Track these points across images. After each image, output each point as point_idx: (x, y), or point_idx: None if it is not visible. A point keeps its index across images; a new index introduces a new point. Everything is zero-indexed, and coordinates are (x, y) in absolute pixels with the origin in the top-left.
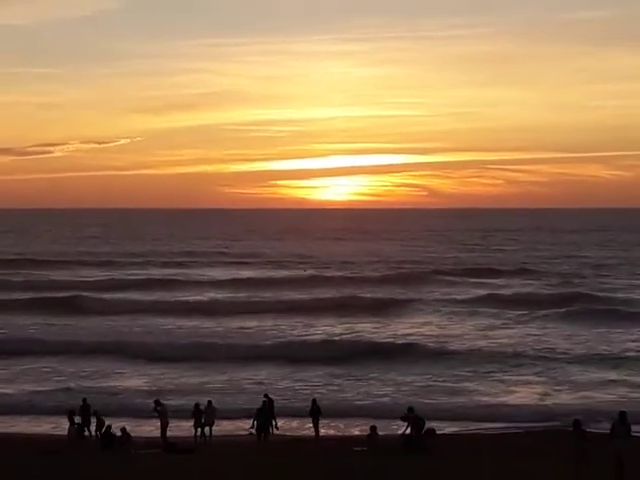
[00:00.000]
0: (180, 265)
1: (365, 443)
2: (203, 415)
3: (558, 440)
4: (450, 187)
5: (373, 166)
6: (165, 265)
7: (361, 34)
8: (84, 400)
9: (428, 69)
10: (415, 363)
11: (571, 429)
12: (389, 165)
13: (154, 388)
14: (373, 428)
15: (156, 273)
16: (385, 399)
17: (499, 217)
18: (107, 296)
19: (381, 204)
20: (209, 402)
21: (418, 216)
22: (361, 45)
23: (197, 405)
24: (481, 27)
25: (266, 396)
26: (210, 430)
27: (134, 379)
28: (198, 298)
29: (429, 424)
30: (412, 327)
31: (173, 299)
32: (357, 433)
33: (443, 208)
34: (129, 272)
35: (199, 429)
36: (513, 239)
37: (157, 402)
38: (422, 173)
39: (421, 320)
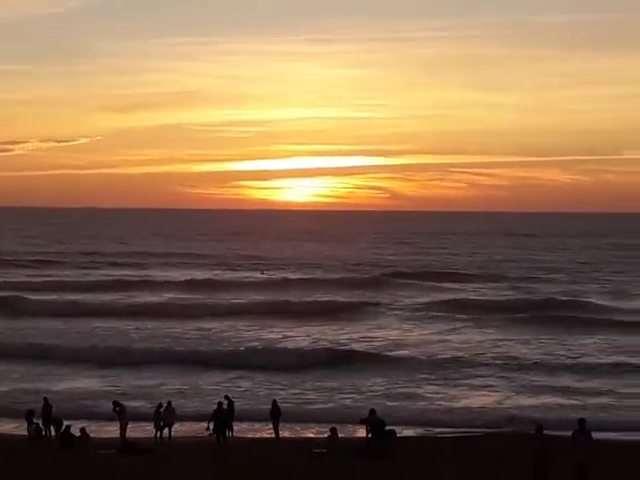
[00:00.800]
0: (132, 266)
1: (325, 445)
2: (162, 416)
3: (517, 444)
4: (412, 190)
5: (336, 168)
6: (115, 265)
7: (330, 35)
8: (45, 399)
9: (396, 71)
10: (373, 368)
11: (532, 433)
12: (352, 167)
13: (116, 390)
14: (333, 430)
15: (105, 274)
16: (345, 403)
17: (460, 220)
18: (47, 297)
19: (343, 206)
20: (169, 403)
21: (379, 219)
22: (330, 46)
23: (159, 406)
24: (451, 30)
25: (227, 397)
26: (169, 431)
27: (90, 381)
28: (151, 299)
29: (389, 428)
30: (368, 331)
31: (123, 300)
32: (317, 436)
33: (405, 211)
34: (79, 273)
35: (159, 430)
36: (473, 242)
37: (116, 403)
38: (384, 175)
39: (378, 324)
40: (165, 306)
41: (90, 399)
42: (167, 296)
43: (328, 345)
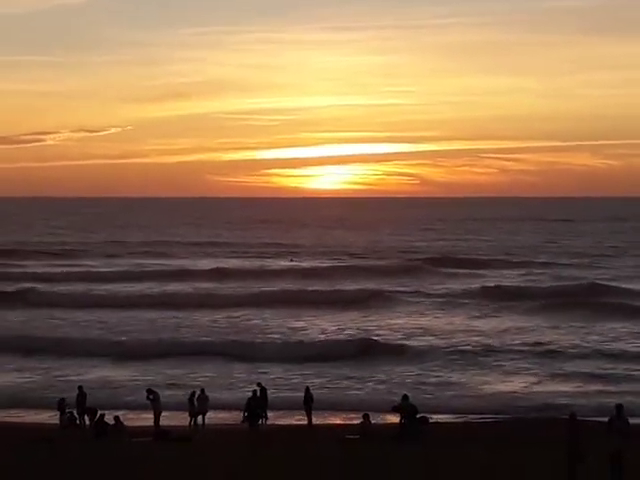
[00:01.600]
0: (160, 255)
1: (358, 431)
2: (196, 403)
3: (550, 429)
4: (442, 176)
5: (365, 155)
6: (144, 254)
7: (354, 22)
8: (80, 388)
9: (421, 58)
10: (403, 356)
11: (565, 418)
12: (381, 154)
13: (148, 379)
14: (366, 416)
15: (134, 263)
16: (376, 391)
17: (490, 206)
18: (74, 288)
19: (373, 193)
20: (202, 390)
21: (409, 205)
22: (354, 33)
23: (192, 394)
24: (475, 16)
25: (259, 385)
26: (203, 419)
27: (120, 371)
28: (179, 288)
29: (421, 414)
30: (398, 319)
31: (152, 290)
32: (350, 422)
33: (435, 197)
34: (109, 262)
35: (193, 418)
36: (501, 228)
37: (149, 391)
38: (414, 162)
39: (407, 312)
40: (192, 295)
41: (121, 388)
42: (195, 285)
43: (358, 334)
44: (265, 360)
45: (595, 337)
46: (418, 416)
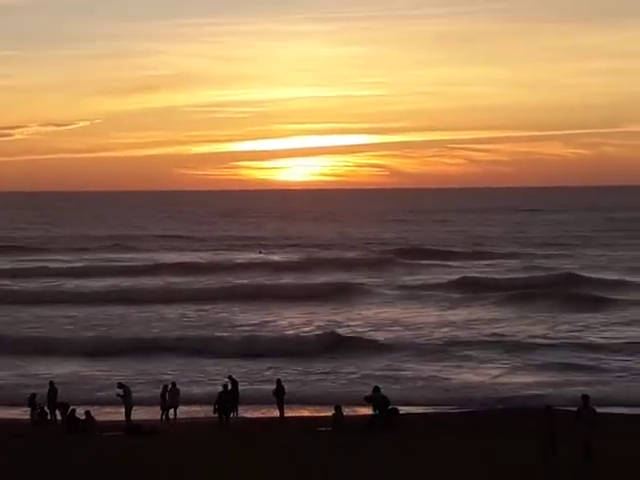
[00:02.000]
0: (126, 249)
1: (330, 423)
2: (167, 397)
3: (518, 419)
4: (412, 167)
5: (335, 146)
6: (112, 249)
7: (325, 13)
8: (51, 383)
9: (393, 49)
10: (371, 350)
11: (539, 409)
12: (351, 145)
13: (118, 375)
14: (338, 408)
15: (101, 257)
16: (345, 384)
17: (459, 197)
18: (34, 284)
19: (343, 184)
20: (173, 384)
21: (379, 196)
22: (328, 25)
23: (165, 387)
24: (447, 6)
25: (230, 378)
26: (175, 412)
27: (90, 367)
28: (148, 283)
29: (392, 406)
30: (366, 313)
31: (121, 285)
32: (322, 414)
33: (405, 188)
34: (76, 257)
35: (164, 411)
36: (472, 219)
37: (120, 384)
38: (384, 153)
39: (376, 305)
40: (161, 290)
41: (92, 384)
42: (163, 279)
43: (327, 327)
44: (234, 354)
45: (564, 327)
46: (389, 407)
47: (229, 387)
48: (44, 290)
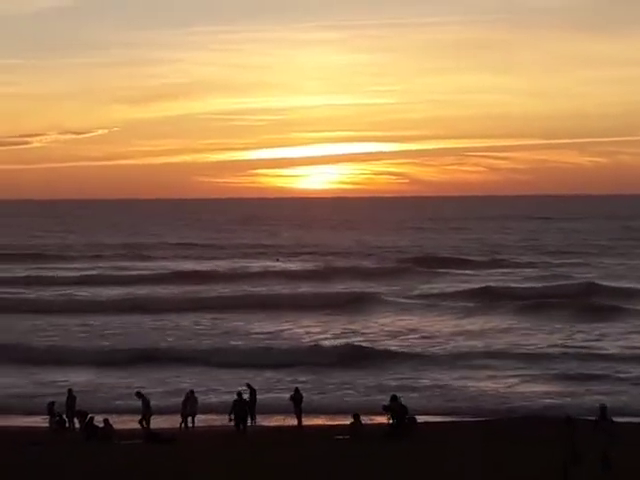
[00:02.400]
0: (145, 258)
1: (348, 431)
2: (186, 405)
3: (538, 428)
4: (431, 175)
5: (354, 154)
6: (117, 257)
7: (341, 21)
8: (69, 391)
9: (409, 56)
10: (389, 360)
11: (560, 419)
12: (370, 153)
13: (136, 384)
14: (356, 416)
15: (117, 265)
16: (362, 394)
17: (479, 205)
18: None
19: (362, 192)
20: (191, 392)
21: (398, 204)
22: (341, 32)
23: (187, 395)
24: (461, 14)
25: (248, 386)
26: (193, 420)
27: (107, 376)
28: (160, 292)
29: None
30: (383, 322)
31: (136, 293)
32: (340, 423)
33: (424, 196)
34: (92, 265)
35: (184, 419)
36: (492, 227)
37: (138, 394)
38: (403, 161)
39: (393, 314)
40: (176, 299)
41: (109, 393)
42: (179, 288)
43: (345, 337)
44: (250, 363)
45: (581, 336)
46: (407, 417)
47: (244, 396)
48: (59, 298)
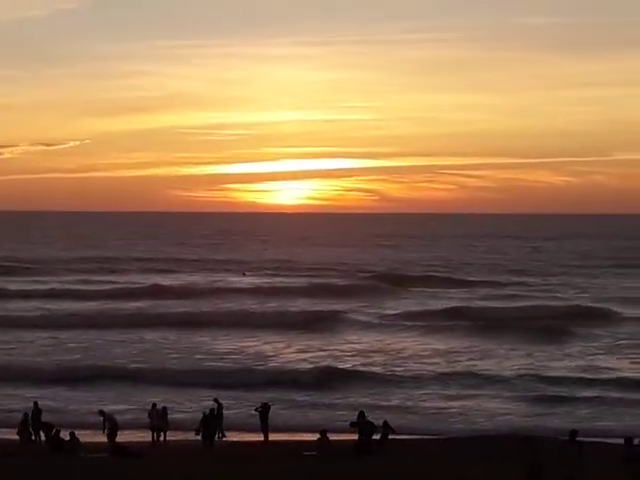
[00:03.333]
0: (110, 272)
1: (315, 448)
2: (154, 418)
3: (506, 446)
4: (401, 192)
5: (324, 170)
6: (93, 271)
7: (315, 37)
8: (35, 404)
9: (380, 73)
10: (358, 381)
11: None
12: (340, 169)
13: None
14: (323, 432)
15: (81, 279)
16: (332, 414)
17: (448, 222)
18: None
19: (332, 208)
20: (154, 405)
21: (367, 221)
22: (314, 49)
23: (152, 407)
24: (436, 32)
25: (216, 401)
26: (164, 434)
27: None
28: (127, 306)
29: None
30: (346, 343)
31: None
32: (307, 439)
33: (394, 213)
34: (52, 279)
35: (154, 433)
36: (461, 245)
37: (101, 411)
38: (373, 178)
39: (361, 335)
40: (140, 315)
41: (71, 411)
42: (143, 303)
43: (313, 357)
44: (214, 382)
45: (542, 357)
46: (383, 433)
47: (215, 410)
48: (27, 313)
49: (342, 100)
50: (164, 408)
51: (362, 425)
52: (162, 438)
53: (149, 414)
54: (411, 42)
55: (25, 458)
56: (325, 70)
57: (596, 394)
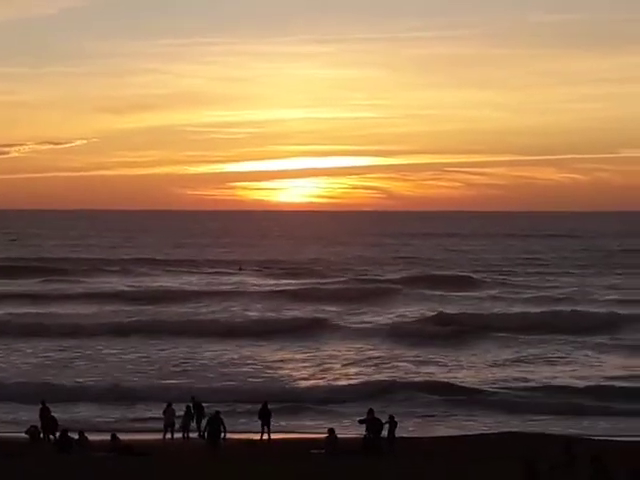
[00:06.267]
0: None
1: (323, 445)
2: (166, 415)
3: (512, 444)
4: (408, 190)
5: (331, 168)
6: (99, 272)
7: (323, 35)
8: (43, 402)
9: (388, 71)
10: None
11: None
12: (347, 167)
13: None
14: (331, 431)
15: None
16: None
17: (455, 220)
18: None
19: (339, 206)
20: (168, 404)
21: (375, 219)
22: (321, 47)
23: (169, 405)
24: (441, 29)
25: (193, 399)
26: (172, 432)
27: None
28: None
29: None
30: (349, 351)
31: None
32: (313, 436)
33: (401, 210)
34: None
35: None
36: (467, 243)
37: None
38: (380, 175)
39: (353, 342)
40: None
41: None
42: (138, 308)
43: (308, 367)
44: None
45: (524, 365)
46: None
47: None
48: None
49: (349, 98)
50: (169, 404)
51: (370, 422)
52: (170, 436)
53: (164, 412)
54: (419, 40)
55: (34, 457)
56: (332, 68)
57: None
